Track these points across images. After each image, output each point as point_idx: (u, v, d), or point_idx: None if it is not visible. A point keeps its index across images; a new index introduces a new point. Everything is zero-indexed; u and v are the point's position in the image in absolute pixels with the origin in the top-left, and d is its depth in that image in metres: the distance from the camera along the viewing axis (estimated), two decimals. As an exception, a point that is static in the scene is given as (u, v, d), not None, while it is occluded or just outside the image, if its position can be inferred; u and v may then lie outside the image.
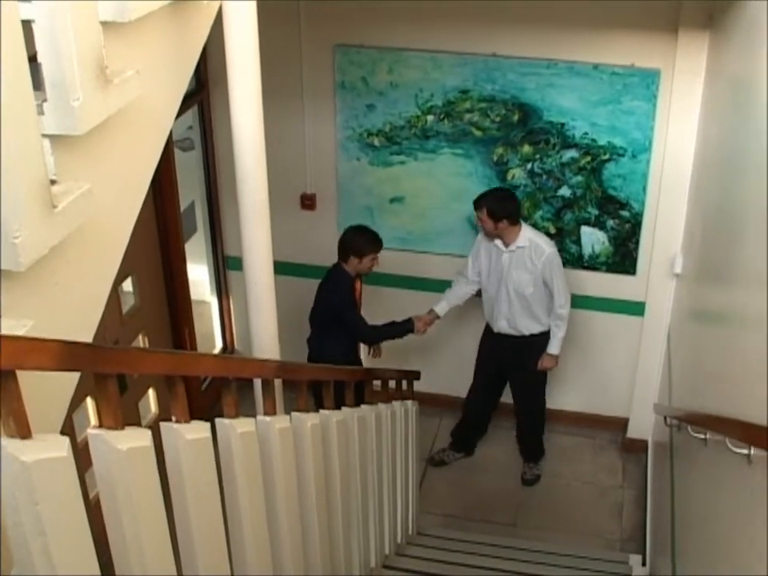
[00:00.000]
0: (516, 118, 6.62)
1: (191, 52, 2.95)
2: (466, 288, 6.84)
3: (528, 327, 6.66)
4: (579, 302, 7.00)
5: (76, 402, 4.75)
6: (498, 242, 6.45)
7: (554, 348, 6.69)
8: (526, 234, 6.39)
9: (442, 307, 6.87)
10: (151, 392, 6.70)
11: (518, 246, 6.38)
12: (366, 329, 6.64)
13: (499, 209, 6.25)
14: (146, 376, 6.32)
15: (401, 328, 6.76)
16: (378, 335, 6.78)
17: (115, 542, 2.36)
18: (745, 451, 2.96)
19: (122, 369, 2.35)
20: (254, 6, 3.52)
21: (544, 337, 6.70)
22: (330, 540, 4.17)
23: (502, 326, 6.72)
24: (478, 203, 6.38)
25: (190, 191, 7.57)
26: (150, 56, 2.56)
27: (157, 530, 2.46)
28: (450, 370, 7.54)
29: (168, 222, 6.68)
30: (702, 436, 4.11)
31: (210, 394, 6.88)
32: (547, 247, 6.39)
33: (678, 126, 6.37)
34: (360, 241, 6.38)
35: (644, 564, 6.15)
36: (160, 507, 2.45)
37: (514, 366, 6.94)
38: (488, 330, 6.95)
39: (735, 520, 3.33)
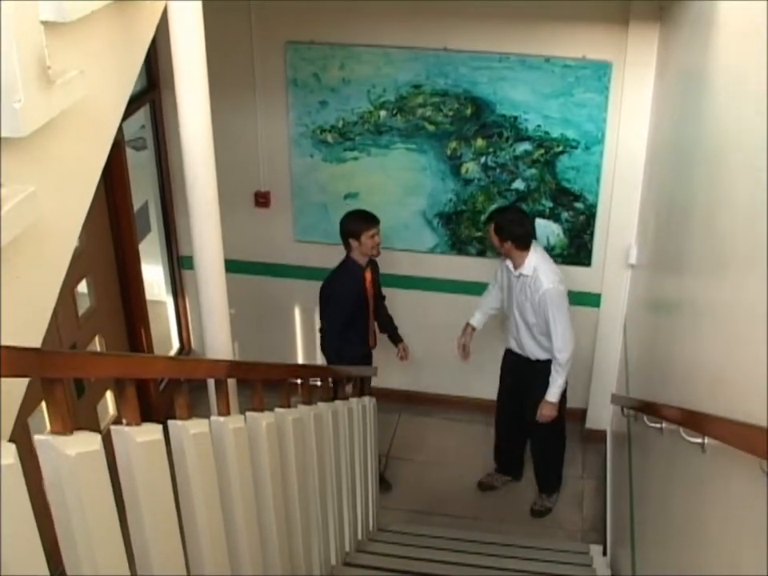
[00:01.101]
0: (469, 111, 6.63)
1: (136, 52, 2.91)
2: (499, 295, 6.62)
3: (533, 352, 6.43)
4: (536, 294, 7.02)
5: (31, 406, 4.70)
6: (508, 262, 6.27)
7: (551, 395, 6.33)
8: (532, 263, 6.11)
9: (477, 319, 6.71)
10: (109, 394, 6.65)
11: (522, 274, 6.15)
12: (331, 340, 6.47)
13: (505, 228, 6.04)
14: (104, 379, 6.28)
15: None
16: (333, 357, 6.45)
17: (67, 550, 2.34)
18: (698, 440, 2.97)
19: (70, 373, 2.33)
20: (199, 5, 3.50)
21: (550, 364, 6.37)
22: (288, 539, 4.15)
23: (511, 344, 6.60)
24: (488, 217, 6.35)
25: (143, 191, 7.52)
26: (93, 56, 2.52)
27: (110, 537, 2.43)
28: (408, 365, 7.53)
29: (121, 223, 6.64)
30: (658, 425, 4.14)
31: (169, 394, 6.83)
32: (546, 282, 6.07)
33: (630, 118, 6.41)
34: (350, 221, 6.27)
35: (605, 554, 6.18)
36: (112, 513, 2.42)
37: (525, 387, 6.61)
38: (507, 357, 6.79)
39: (690, 507, 3.35)
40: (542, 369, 6.36)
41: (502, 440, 7.15)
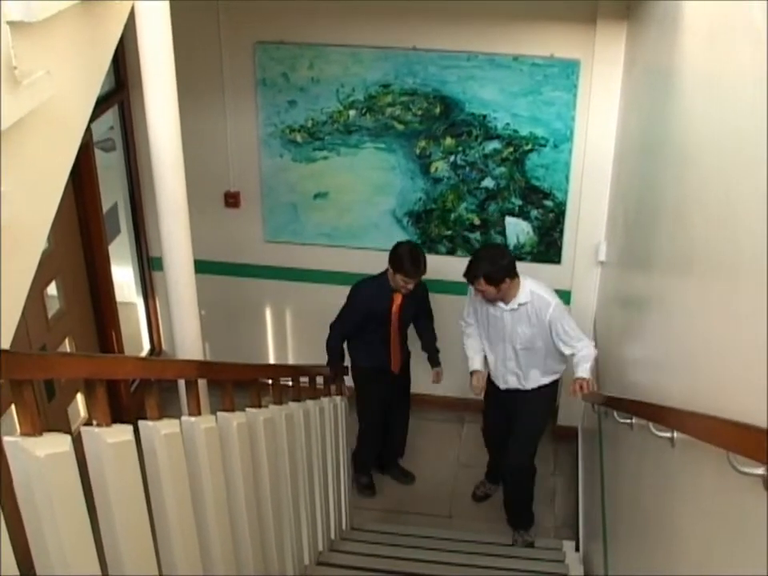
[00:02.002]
0: (438, 110, 6.64)
1: (104, 51, 2.90)
2: (480, 334, 6.19)
3: (537, 379, 6.08)
4: (506, 292, 7.05)
5: (1, 409, 4.70)
6: (494, 305, 5.84)
7: (587, 372, 5.76)
8: (527, 288, 5.73)
9: (480, 362, 6.18)
10: (80, 397, 6.62)
11: (520, 304, 5.73)
12: (333, 337, 6.52)
13: (498, 271, 5.58)
14: (74, 381, 6.25)
15: (334, 367, 6.46)
16: (329, 354, 6.51)
17: (37, 552, 2.33)
18: (668, 435, 3.00)
19: (40, 375, 2.33)
20: (167, 5, 3.50)
21: (553, 385, 6.20)
22: (261, 539, 4.15)
23: (510, 381, 6.16)
24: (472, 274, 5.67)
25: (112, 192, 7.49)
26: (60, 56, 2.52)
27: (80, 538, 2.43)
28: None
29: (91, 224, 6.61)
30: (628, 421, 4.16)
31: (140, 396, 6.81)
32: (549, 298, 5.72)
33: (599, 116, 6.44)
34: (402, 253, 6.06)
35: (577, 549, 6.20)
36: (83, 514, 2.42)
37: (518, 410, 6.21)
38: (494, 385, 6.28)
39: (660, 501, 3.38)
40: (545, 391, 6.17)
41: (494, 455, 6.90)
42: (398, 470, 7.33)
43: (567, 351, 5.78)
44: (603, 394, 5.26)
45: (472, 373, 6.17)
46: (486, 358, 6.20)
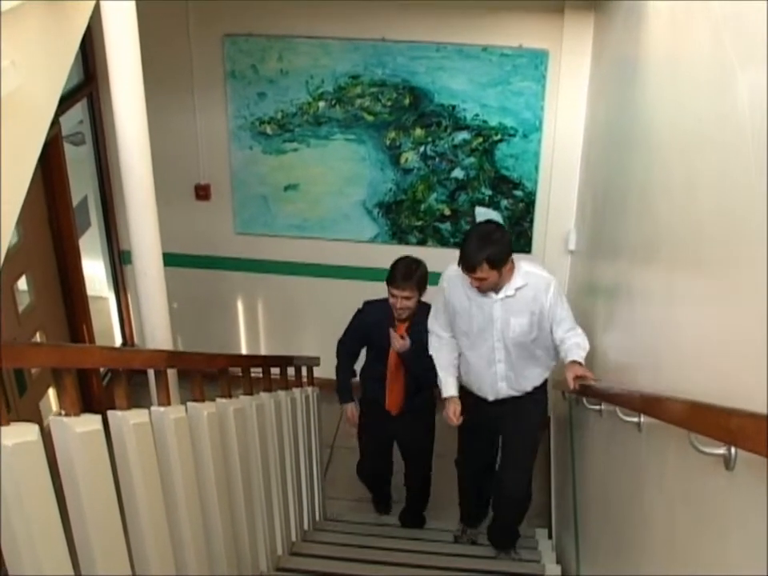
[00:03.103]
0: (407, 101, 6.65)
1: (69, 44, 2.91)
2: (452, 348, 5.19)
3: (533, 380, 5.13)
4: (477, 282, 7.08)
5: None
6: (484, 296, 4.81)
7: (581, 357, 4.68)
8: (522, 268, 4.78)
9: (453, 385, 5.17)
10: (51, 391, 6.60)
11: (517, 288, 4.74)
12: (338, 351, 5.84)
13: (501, 251, 4.58)
14: (45, 375, 6.24)
15: (342, 387, 5.86)
16: (337, 368, 5.85)
17: (7, 542, 2.34)
18: (635, 419, 3.03)
19: (8, 363, 2.33)
20: (132, -1, 3.50)
21: (544, 387, 5.25)
22: (233, 529, 4.16)
23: (500, 389, 5.09)
24: (473, 261, 4.56)
25: (82, 186, 7.47)
26: (25, 47, 2.52)
27: (49, 527, 2.44)
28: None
29: (60, 218, 6.58)
30: (597, 408, 4.20)
31: (112, 389, 6.81)
32: (546, 274, 4.84)
33: (567, 106, 6.48)
34: (391, 267, 5.43)
35: (550, 537, 6.24)
36: (52, 503, 2.43)
37: (508, 425, 5.25)
38: (476, 399, 5.20)
39: (627, 485, 3.42)
40: (538, 392, 5.21)
41: (471, 494, 6.03)
42: (409, 517, 6.61)
43: (560, 334, 4.76)
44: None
45: (446, 399, 5.16)
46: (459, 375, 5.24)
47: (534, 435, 5.33)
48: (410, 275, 5.29)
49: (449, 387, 5.16)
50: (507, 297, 4.74)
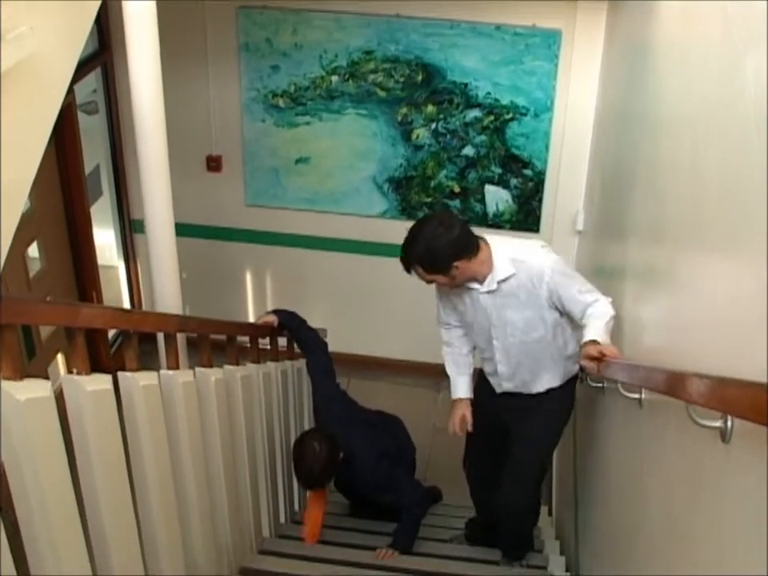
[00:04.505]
0: (420, 78, 6.67)
1: (87, 10, 2.94)
2: (464, 340, 4.53)
3: (546, 383, 4.34)
4: (484, 260, 7.11)
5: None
6: (468, 283, 4.08)
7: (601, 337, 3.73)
8: (504, 256, 3.97)
9: (463, 386, 4.57)
10: (60, 357, 6.66)
11: (500, 281, 3.99)
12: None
13: (439, 253, 3.85)
14: (54, 340, 6.29)
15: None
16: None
17: (18, 496, 2.38)
18: (636, 395, 3.07)
19: (21, 319, 2.37)
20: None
21: (568, 386, 4.42)
22: (237, 493, 4.21)
23: (506, 387, 4.42)
24: (404, 262, 3.99)
25: (94, 155, 7.50)
26: (43, 12, 2.55)
27: (59, 482, 2.48)
28: (358, 330, 7.60)
29: (72, 186, 6.62)
30: (599, 385, 4.24)
31: (118, 358, 6.86)
32: (544, 259, 3.97)
33: (579, 86, 6.48)
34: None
35: (550, 514, 6.28)
36: (62, 458, 2.47)
37: (517, 420, 4.46)
38: (488, 386, 4.53)
39: (627, 461, 3.46)
40: (556, 392, 4.39)
41: (484, 504, 5.07)
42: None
43: (579, 316, 3.94)
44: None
45: (455, 402, 4.58)
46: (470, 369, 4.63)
47: (545, 446, 4.58)
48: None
49: (458, 388, 4.57)
50: (490, 291, 4.02)
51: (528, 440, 4.40)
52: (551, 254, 4.01)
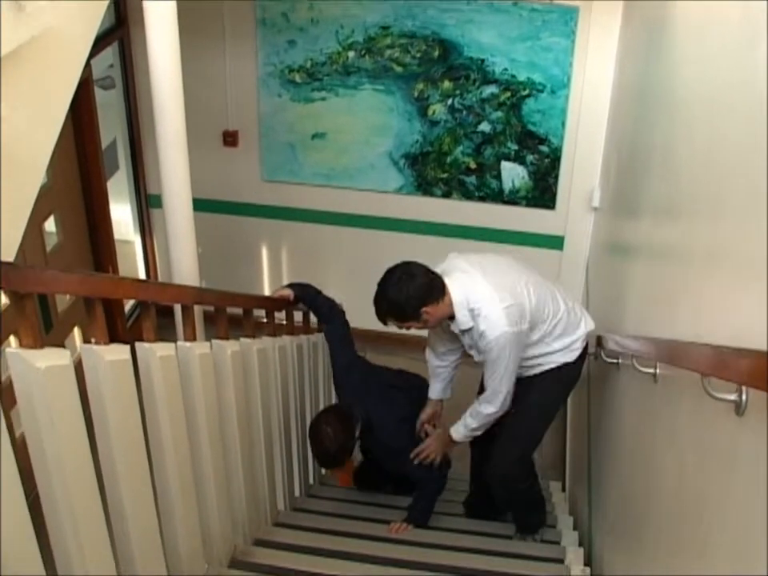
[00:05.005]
0: (436, 53, 6.66)
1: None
2: (444, 359, 4.78)
3: (545, 364, 4.42)
4: (500, 236, 7.13)
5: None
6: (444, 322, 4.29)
7: (456, 433, 4.56)
8: (463, 305, 4.07)
9: (436, 391, 4.86)
10: (77, 331, 6.69)
11: (462, 330, 4.17)
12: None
13: (405, 304, 4.06)
14: (71, 314, 6.32)
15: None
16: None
17: (38, 463, 2.41)
18: (651, 370, 3.08)
19: (41, 289, 2.40)
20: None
21: (564, 368, 4.44)
22: (252, 466, 4.24)
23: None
24: (379, 316, 4.22)
25: (111, 130, 7.52)
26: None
27: (78, 451, 2.51)
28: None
29: (89, 160, 6.64)
30: (615, 361, 4.25)
31: (135, 331, 6.89)
32: (493, 327, 4.01)
33: (596, 63, 6.47)
34: None
35: (563, 489, 6.30)
36: (81, 426, 2.49)
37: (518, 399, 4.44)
38: None
39: (641, 435, 3.47)
40: (543, 377, 4.47)
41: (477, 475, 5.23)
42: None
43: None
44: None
45: (428, 401, 4.90)
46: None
47: (536, 421, 4.61)
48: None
49: (431, 390, 4.88)
50: (464, 331, 4.17)
51: (520, 414, 4.48)
52: (514, 325, 4.03)
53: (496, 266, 4.26)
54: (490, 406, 4.31)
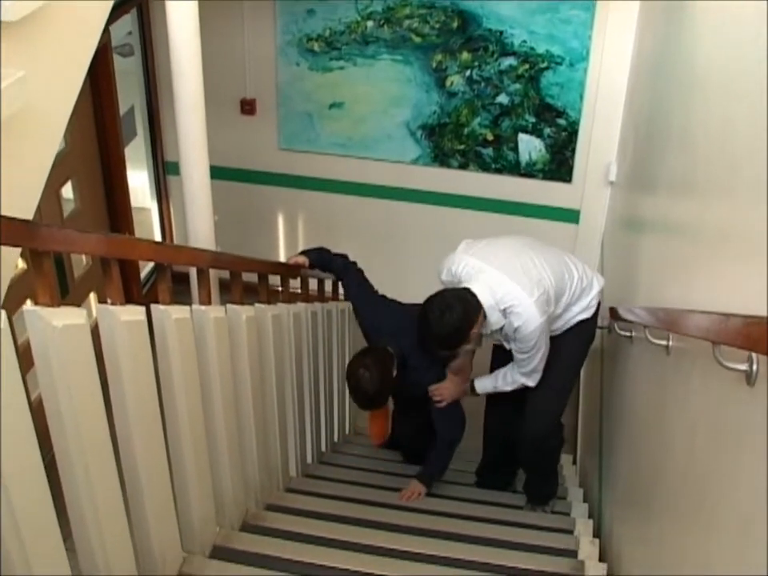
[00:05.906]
0: (455, 24, 6.65)
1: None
2: None
3: (567, 324, 4.48)
4: (516, 208, 7.13)
5: (16, 304, 4.78)
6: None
7: (481, 386, 4.69)
8: (493, 303, 4.10)
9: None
10: (93, 296, 6.71)
11: (493, 330, 4.23)
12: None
13: (455, 337, 4.09)
14: (87, 280, 6.35)
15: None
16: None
17: (53, 421, 2.44)
18: (663, 342, 3.09)
19: (58, 247, 2.41)
20: None
21: (586, 323, 4.53)
22: (265, 431, 4.26)
23: None
24: (430, 349, 4.33)
25: (129, 97, 7.54)
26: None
27: (93, 410, 2.53)
28: (387, 276, 7.61)
29: (107, 126, 6.65)
30: (628, 334, 4.26)
31: (150, 297, 6.91)
32: (532, 316, 4.08)
33: (615, 37, 6.44)
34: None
35: (574, 462, 6.33)
36: (96, 386, 2.52)
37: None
38: None
39: (652, 406, 3.48)
40: (579, 329, 4.53)
41: (495, 446, 5.31)
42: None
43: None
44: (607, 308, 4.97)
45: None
46: None
47: (574, 360, 4.69)
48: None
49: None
50: (494, 332, 4.27)
51: (551, 372, 4.46)
52: (541, 315, 4.11)
53: (507, 252, 4.30)
54: (529, 381, 4.41)
